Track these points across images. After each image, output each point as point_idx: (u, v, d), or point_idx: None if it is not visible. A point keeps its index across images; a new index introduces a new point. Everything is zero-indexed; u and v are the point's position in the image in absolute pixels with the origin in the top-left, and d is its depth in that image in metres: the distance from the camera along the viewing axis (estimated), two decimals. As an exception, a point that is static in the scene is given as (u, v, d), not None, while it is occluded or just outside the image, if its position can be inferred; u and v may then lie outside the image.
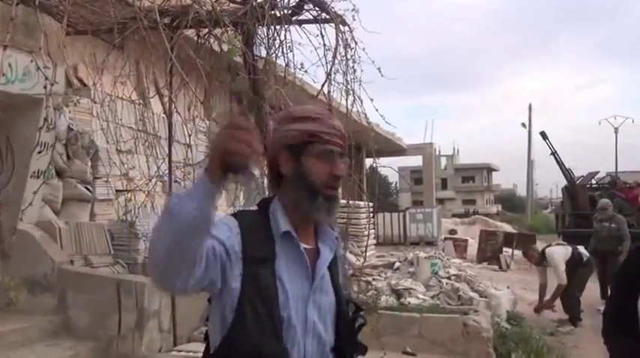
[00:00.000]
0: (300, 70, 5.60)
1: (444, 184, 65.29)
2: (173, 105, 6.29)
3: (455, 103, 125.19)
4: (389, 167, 12.73)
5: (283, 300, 1.57)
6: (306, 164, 1.64)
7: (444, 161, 69.62)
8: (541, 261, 8.76)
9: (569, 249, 8.74)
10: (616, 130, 41.90)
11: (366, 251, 7.29)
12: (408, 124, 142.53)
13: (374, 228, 19.62)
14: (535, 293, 9.47)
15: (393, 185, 66.20)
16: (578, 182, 18.45)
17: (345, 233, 5.78)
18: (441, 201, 54.23)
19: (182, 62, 6.03)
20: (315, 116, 1.68)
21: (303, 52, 6.10)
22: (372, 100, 5.45)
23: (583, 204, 17.18)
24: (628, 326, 2.09)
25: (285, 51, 5.87)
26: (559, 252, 8.57)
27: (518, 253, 16.75)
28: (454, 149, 70.97)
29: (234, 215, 1.64)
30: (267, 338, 1.52)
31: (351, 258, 8.20)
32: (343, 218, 6.86)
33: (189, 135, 6.53)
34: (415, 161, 31.50)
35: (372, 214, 12.10)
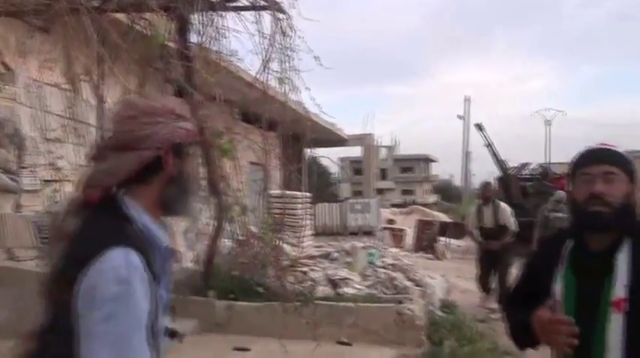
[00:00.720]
0: (234, 57, 5.39)
1: (383, 175, 65.98)
2: (104, 92, 6.03)
3: (395, 95, 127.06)
4: (326, 157, 12.64)
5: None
6: (187, 164, 1.61)
7: (383, 152, 70.29)
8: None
9: None
10: (548, 123, 43.32)
11: (301, 241, 7.24)
12: (350, 115, 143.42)
13: (312, 219, 19.59)
14: (468, 281, 9.62)
15: (334, 175, 66.60)
16: (511, 173, 18.88)
17: (281, 223, 5.67)
18: (380, 191, 54.76)
19: (115, 48, 5.77)
20: (189, 114, 1.63)
21: (240, 40, 5.95)
22: (308, 89, 5.32)
23: (516, 194, 17.62)
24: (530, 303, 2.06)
25: (219, 38, 5.71)
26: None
27: (453, 242, 17.04)
28: (394, 140, 71.79)
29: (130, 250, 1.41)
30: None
31: (287, 248, 8.10)
32: (279, 208, 6.77)
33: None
34: (356, 151, 31.68)
35: (309, 204, 12.03)
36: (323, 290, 7.72)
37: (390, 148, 70.89)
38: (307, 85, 5.53)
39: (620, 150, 1.99)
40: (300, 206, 10.11)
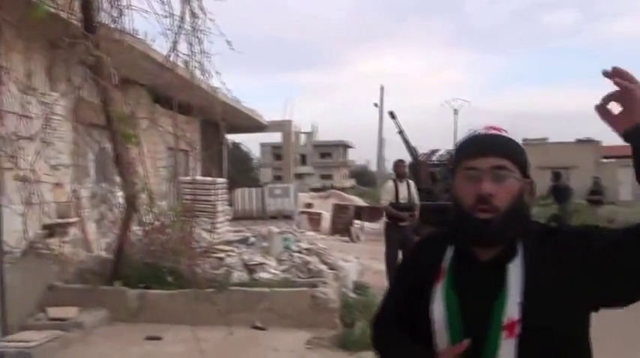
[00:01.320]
0: (137, 36, 5.00)
1: (303, 160, 66.07)
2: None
3: (314, 83, 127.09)
4: (239, 143, 12.30)
5: None
6: None
7: (303, 138, 70.35)
8: None
9: None
10: (455, 111, 44.49)
11: (216, 227, 6.94)
12: (271, 102, 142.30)
13: (233, 204, 19.19)
14: (381, 263, 9.60)
15: (255, 160, 66.05)
16: (421, 159, 19.18)
17: (191, 210, 5.36)
18: (300, 176, 54.80)
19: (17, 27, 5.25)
20: None
21: (150, 21, 5.56)
22: (218, 74, 5.02)
23: (425, 180, 17.89)
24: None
25: (126, 18, 5.30)
26: None
27: (367, 225, 17.13)
28: (313, 127, 71.93)
29: None
30: None
31: (203, 234, 7.78)
32: (192, 194, 6.44)
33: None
34: (276, 137, 31.35)
35: (225, 190, 11.69)
36: (239, 275, 7.46)
37: (309, 134, 70.99)
38: (228, 71, 5.28)
39: (511, 136, 1.54)
40: (215, 192, 9.76)
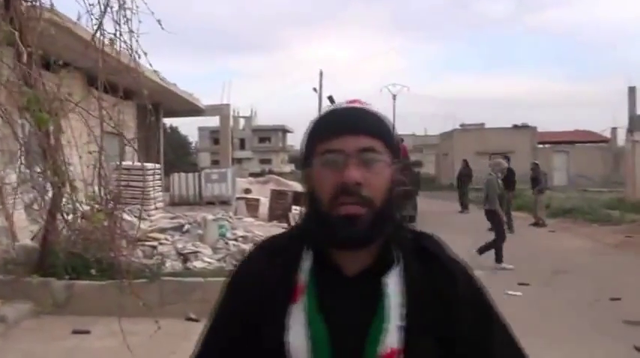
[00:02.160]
0: (58, 13, 4.79)
1: (242, 144, 65.56)
2: None
3: (254, 67, 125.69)
4: (177, 127, 12.08)
5: None
6: None
7: (242, 122, 69.74)
8: None
9: None
10: (394, 97, 45.11)
11: (150, 214, 6.80)
12: (209, 86, 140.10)
13: (169, 190, 18.85)
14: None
15: (193, 145, 65.06)
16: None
17: (118, 197, 5.21)
18: (239, 160, 54.41)
19: None
20: None
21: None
22: (145, 54, 4.87)
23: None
24: None
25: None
26: None
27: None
28: (252, 111, 71.41)
29: None
30: None
31: (135, 222, 7.60)
32: (123, 181, 6.26)
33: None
34: (215, 121, 30.90)
35: (159, 176, 11.47)
36: (172, 264, 7.36)
37: (248, 119, 70.45)
38: (165, 54, 5.16)
39: (379, 111, 1.24)
40: (149, 178, 9.54)
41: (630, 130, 23.35)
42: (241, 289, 1.26)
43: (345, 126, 1.17)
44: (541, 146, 40.27)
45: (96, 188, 5.40)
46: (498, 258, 10.09)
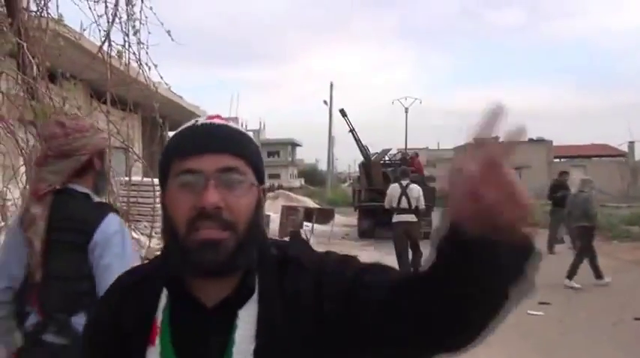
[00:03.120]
0: (65, 24, 4.72)
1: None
2: None
3: (262, 79, 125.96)
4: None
5: None
6: (105, 162, 2.47)
7: (250, 135, 69.87)
8: None
9: None
10: (406, 110, 45.00)
11: (153, 232, 6.63)
12: (216, 99, 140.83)
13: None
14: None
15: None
16: (373, 158, 19.20)
17: (126, 214, 5.10)
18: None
19: None
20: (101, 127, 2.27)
21: (82, 8, 5.26)
22: (155, 66, 4.79)
23: (377, 180, 17.91)
24: None
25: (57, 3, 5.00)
26: None
27: (318, 227, 17.06)
28: (260, 124, 71.55)
29: None
30: None
31: (142, 239, 7.49)
32: (131, 197, 6.17)
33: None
34: (221, 135, 30.95)
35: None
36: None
37: (256, 132, 70.66)
38: (172, 66, 5.09)
39: (242, 128, 1.17)
40: (156, 194, 9.41)
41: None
42: (97, 340, 1.18)
43: (204, 143, 1.08)
44: (557, 160, 40.02)
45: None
46: (572, 273, 10.17)
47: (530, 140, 39.05)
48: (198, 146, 1.07)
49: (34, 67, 4.64)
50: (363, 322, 1.04)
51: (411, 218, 10.43)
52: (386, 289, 1.04)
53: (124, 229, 2.27)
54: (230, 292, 1.09)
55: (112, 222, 2.20)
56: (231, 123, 1.16)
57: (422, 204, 10.68)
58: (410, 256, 10.39)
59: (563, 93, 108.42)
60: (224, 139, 1.10)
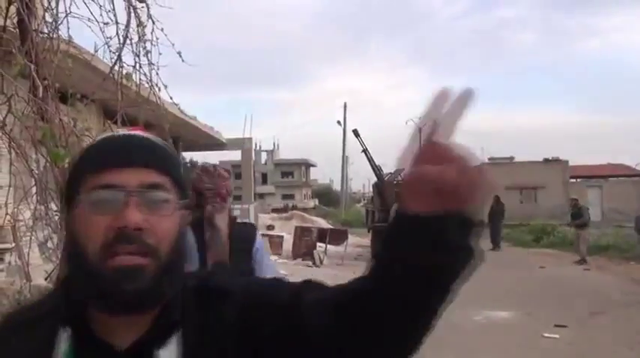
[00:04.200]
0: (76, 45, 4.70)
1: (264, 179, 65.67)
2: None
3: (276, 99, 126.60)
4: (197, 162, 12.01)
5: None
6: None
7: (264, 156, 70.06)
8: None
9: None
10: (420, 130, 44.87)
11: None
12: (231, 118, 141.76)
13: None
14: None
15: (214, 179, 65.32)
16: (386, 179, 19.08)
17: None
18: (261, 195, 54.40)
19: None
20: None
21: (93, 29, 5.25)
22: (165, 87, 4.75)
23: (390, 200, 17.74)
24: None
25: (67, 24, 4.98)
26: None
27: (331, 248, 16.93)
28: (274, 144, 71.72)
29: None
30: None
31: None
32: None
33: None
34: (236, 155, 31.02)
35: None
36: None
37: (270, 152, 70.76)
38: (186, 87, 5.04)
39: (166, 143, 1.02)
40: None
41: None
42: None
43: (125, 156, 0.93)
44: (573, 180, 39.59)
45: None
46: None
47: (546, 160, 38.66)
48: (118, 159, 0.93)
49: (45, 88, 4.61)
50: (310, 341, 0.92)
51: None
52: (329, 305, 0.93)
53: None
54: (146, 330, 0.93)
55: (260, 237, 3.17)
56: (155, 137, 1.01)
57: None
58: None
59: (579, 113, 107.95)
60: (149, 153, 0.95)
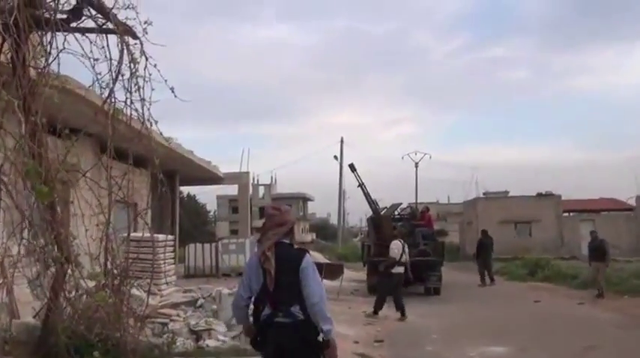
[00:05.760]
0: (71, 80, 4.63)
1: (261, 213, 65.28)
2: None
3: (273, 134, 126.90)
4: (194, 196, 11.85)
5: None
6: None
7: (262, 190, 69.87)
8: None
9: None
10: (416, 165, 44.92)
11: (161, 289, 6.44)
12: (230, 153, 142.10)
13: (183, 261, 18.46)
14: (340, 324, 9.18)
15: (212, 213, 64.93)
16: (382, 213, 18.90)
17: (126, 270, 4.89)
18: (258, 229, 53.91)
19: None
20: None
21: (85, 65, 5.19)
22: (156, 122, 4.66)
23: (387, 235, 17.50)
24: None
25: (60, 61, 4.92)
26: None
27: (327, 283, 16.64)
28: (272, 178, 71.52)
29: None
30: None
31: (145, 297, 7.23)
32: (133, 253, 5.97)
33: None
34: (234, 190, 30.94)
35: (174, 247, 11.16)
36: (184, 343, 6.92)
37: (268, 187, 70.57)
38: (184, 121, 4.94)
39: None
40: (159, 249, 9.22)
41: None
42: None
43: None
44: (566, 214, 39.46)
45: (103, 262, 5.12)
46: None
47: (539, 194, 38.58)
48: None
49: (34, 123, 4.53)
50: None
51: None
52: None
53: (313, 263, 3.78)
54: None
55: (308, 258, 3.75)
56: None
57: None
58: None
59: (571, 148, 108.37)
60: None
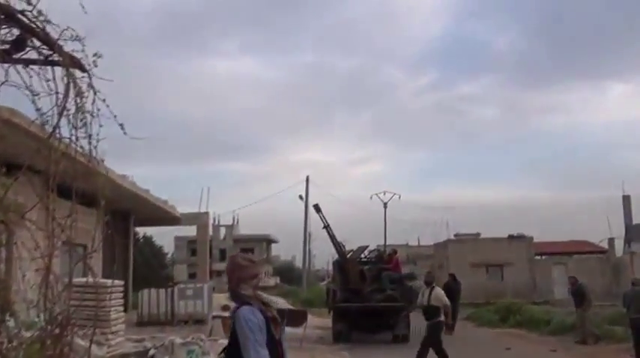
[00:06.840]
0: (18, 114, 4.52)
1: (222, 255, 64.55)
2: None
3: (235, 173, 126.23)
4: (151, 237, 11.62)
5: None
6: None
7: (223, 231, 69.19)
8: None
9: None
10: (385, 205, 45.05)
11: (109, 338, 6.19)
12: (190, 192, 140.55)
13: (136, 308, 18.02)
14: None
15: (169, 256, 63.88)
16: (349, 256, 18.78)
17: (67, 320, 4.69)
18: (219, 273, 53.24)
19: None
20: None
21: (30, 98, 5.07)
22: (103, 161, 4.55)
23: (354, 279, 17.39)
24: None
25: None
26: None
27: (289, 330, 16.39)
28: (234, 219, 70.96)
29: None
30: None
31: (93, 348, 6.96)
32: (78, 299, 5.75)
33: None
34: (194, 231, 30.53)
35: (123, 293, 10.85)
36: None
37: (229, 227, 69.94)
38: (139, 159, 4.82)
39: None
40: (108, 296, 8.95)
41: (627, 241, 23.25)
42: None
43: None
44: (538, 257, 39.95)
45: (42, 310, 4.91)
46: None
47: (511, 236, 39.00)
48: None
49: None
50: None
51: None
52: None
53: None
54: None
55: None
56: None
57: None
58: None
59: (540, 188, 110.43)
60: None
